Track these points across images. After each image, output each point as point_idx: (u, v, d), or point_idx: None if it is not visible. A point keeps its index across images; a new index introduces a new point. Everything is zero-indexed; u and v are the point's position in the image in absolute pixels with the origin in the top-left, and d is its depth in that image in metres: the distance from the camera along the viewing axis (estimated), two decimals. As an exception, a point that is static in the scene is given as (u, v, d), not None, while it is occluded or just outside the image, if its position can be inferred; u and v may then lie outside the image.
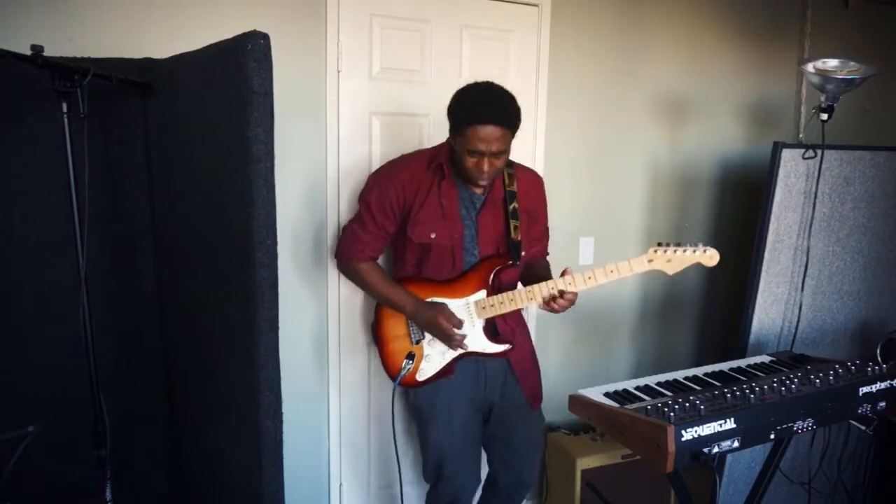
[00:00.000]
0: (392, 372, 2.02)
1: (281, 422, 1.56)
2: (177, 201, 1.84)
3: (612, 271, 1.83)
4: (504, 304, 1.91)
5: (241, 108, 1.43)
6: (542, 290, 1.87)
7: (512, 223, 1.96)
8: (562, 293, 1.85)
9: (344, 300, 2.38)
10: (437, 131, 2.40)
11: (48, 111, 1.51)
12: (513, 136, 1.83)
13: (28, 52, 1.39)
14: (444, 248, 1.94)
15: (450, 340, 1.93)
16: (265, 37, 1.41)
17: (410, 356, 1.99)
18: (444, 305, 1.94)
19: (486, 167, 1.80)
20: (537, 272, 2.04)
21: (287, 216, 2.13)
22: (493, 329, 2.01)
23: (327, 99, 2.25)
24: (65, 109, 1.50)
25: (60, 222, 1.60)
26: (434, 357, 1.99)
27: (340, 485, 2.50)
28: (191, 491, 2.05)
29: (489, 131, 1.75)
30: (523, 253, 2.00)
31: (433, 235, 1.92)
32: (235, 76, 1.43)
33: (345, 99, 2.27)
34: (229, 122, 1.48)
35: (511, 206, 1.97)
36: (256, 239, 1.46)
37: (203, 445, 1.91)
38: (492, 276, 1.95)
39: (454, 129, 1.83)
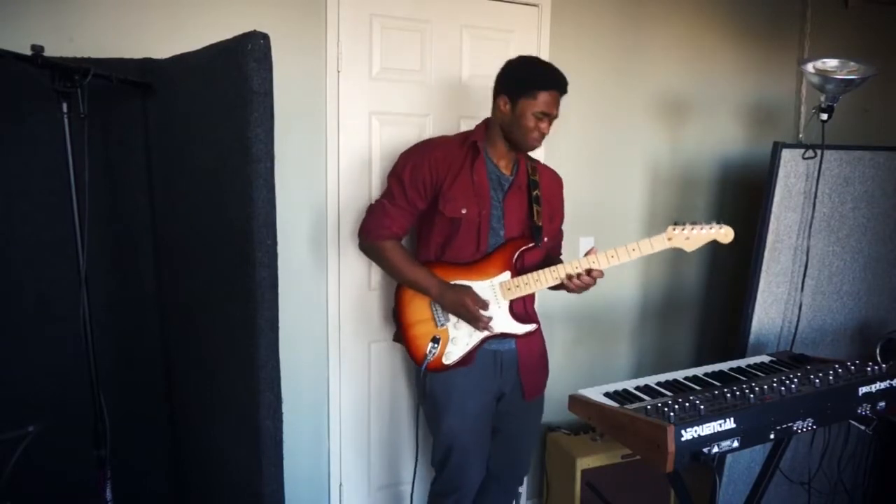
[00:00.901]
0: (417, 357, 2.02)
1: (281, 422, 1.56)
2: (177, 201, 1.84)
3: (633, 249, 1.90)
4: (529, 284, 1.95)
5: (241, 108, 1.43)
6: (567, 268, 1.92)
7: (535, 208, 2.03)
8: (588, 271, 1.91)
9: (344, 300, 2.38)
10: (437, 131, 2.40)
11: (48, 111, 1.51)
12: None
13: (28, 52, 1.39)
14: (472, 224, 1.97)
15: (476, 322, 1.94)
16: (265, 37, 1.42)
17: (436, 340, 1.97)
18: (469, 287, 1.96)
19: (546, 130, 1.95)
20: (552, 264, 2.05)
21: (287, 216, 2.12)
22: (518, 310, 2.03)
23: (327, 99, 2.25)
24: (65, 109, 1.50)
25: (60, 222, 1.60)
26: (461, 339, 1.99)
27: (340, 485, 2.50)
28: (191, 491, 2.05)
29: (557, 97, 1.94)
30: (545, 239, 2.05)
31: (464, 211, 1.96)
32: (235, 76, 1.43)
33: (345, 99, 2.27)
34: (229, 122, 1.48)
35: (534, 193, 2.04)
36: (256, 239, 1.46)
37: (203, 445, 1.91)
38: (515, 257, 1.98)
39: (521, 91, 1.92)
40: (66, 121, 1.50)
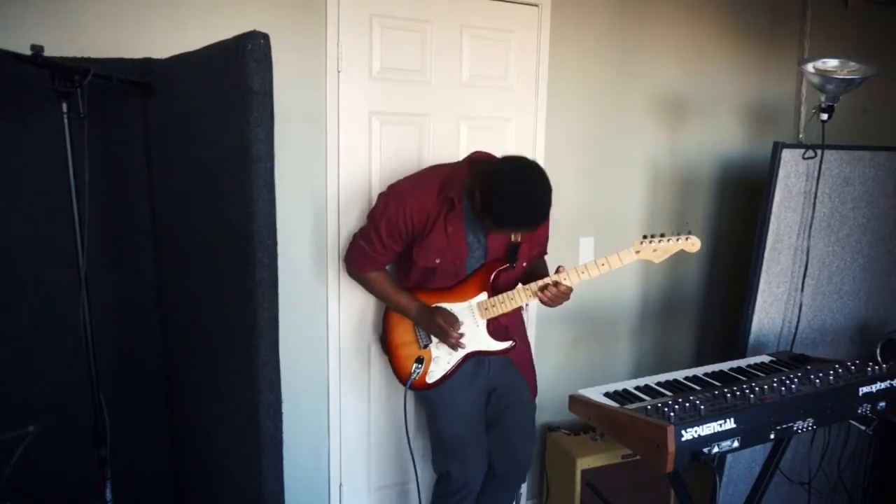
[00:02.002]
0: (402, 377, 2.10)
1: (281, 422, 1.56)
2: (177, 201, 1.84)
3: (602, 264, 1.93)
4: (504, 302, 1.99)
5: (241, 109, 1.43)
6: (540, 284, 1.95)
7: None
8: (556, 283, 1.92)
9: (344, 300, 2.38)
10: (437, 131, 2.41)
11: (48, 111, 1.51)
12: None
13: (28, 52, 1.39)
14: (448, 269, 2.03)
15: (447, 338, 1.99)
16: (265, 37, 1.41)
17: (419, 360, 2.08)
18: (442, 308, 2.03)
19: (513, 238, 1.98)
20: (536, 271, 2.11)
21: (287, 216, 2.12)
22: (496, 328, 2.07)
23: (327, 99, 2.25)
24: (65, 109, 1.50)
25: (60, 222, 1.60)
26: (442, 358, 2.07)
27: (340, 485, 2.50)
28: (191, 491, 2.05)
29: (521, 230, 1.94)
30: (524, 264, 2.08)
31: (438, 261, 2.01)
32: (235, 76, 1.43)
33: (345, 99, 2.27)
34: (229, 122, 1.48)
35: None
36: (256, 239, 1.46)
37: (203, 445, 1.91)
38: (491, 278, 2.02)
39: (494, 221, 1.83)
40: (66, 121, 1.50)
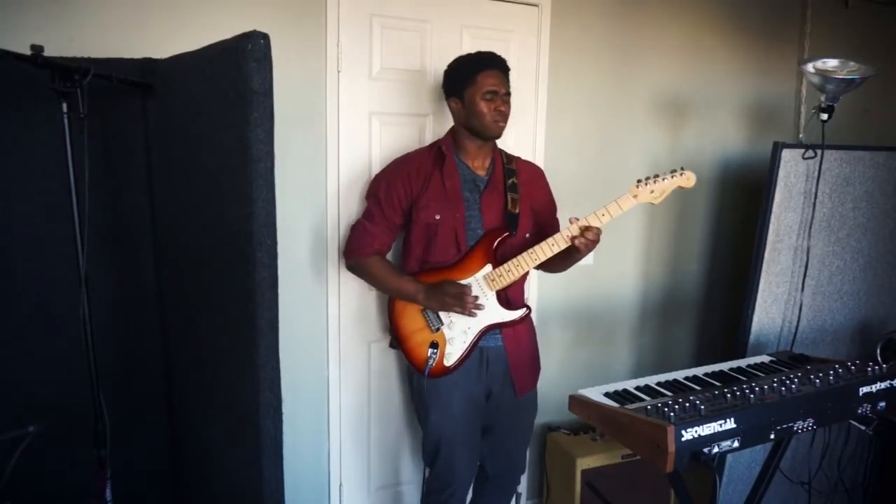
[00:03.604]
0: (419, 366, 2.04)
1: (281, 422, 1.56)
2: (177, 201, 1.84)
3: (603, 215, 1.92)
4: (511, 270, 1.97)
5: (241, 108, 1.43)
6: (543, 248, 1.94)
7: (510, 196, 2.05)
8: (587, 228, 1.91)
9: (344, 300, 2.38)
10: (437, 131, 2.40)
11: (48, 111, 1.51)
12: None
13: (28, 52, 1.39)
14: (448, 227, 2.01)
15: (462, 303, 1.94)
16: (265, 37, 1.41)
17: (434, 345, 2.01)
18: (448, 279, 1.99)
19: (502, 107, 1.98)
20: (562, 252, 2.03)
21: (287, 216, 2.12)
22: (506, 298, 2.05)
23: (327, 99, 2.25)
24: (65, 109, 1.50)
25: (60, 222, 1.60)
26: (457, 339, 2.02)
27: (340, 485, 2.50)
28: (191, 491, 2.05)
29: (497, 75, 1.98)
30: (527, 235, 2.07)
31: (438, 217, 2.00)
32: (235, 76, 1.43)
33: (345, 99, 2.27)
34: (229, 122, 1.48)
35: (510, 181, 2.07)
36: (256, 239, 1.46)
37: (203, 445, 1.91)
38: (494, 248, 2.00)
39: (463, 83, 1.98)
40: (66, 121, 1.50)
